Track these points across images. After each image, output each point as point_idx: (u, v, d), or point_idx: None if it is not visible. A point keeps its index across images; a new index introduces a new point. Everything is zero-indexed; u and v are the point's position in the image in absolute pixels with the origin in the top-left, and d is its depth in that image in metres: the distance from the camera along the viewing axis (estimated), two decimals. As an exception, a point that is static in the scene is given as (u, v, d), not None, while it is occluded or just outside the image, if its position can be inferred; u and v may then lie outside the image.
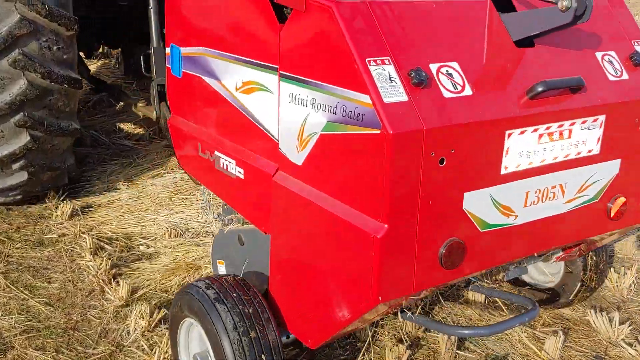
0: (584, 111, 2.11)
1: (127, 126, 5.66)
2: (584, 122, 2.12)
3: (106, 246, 3.75)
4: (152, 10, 3.63)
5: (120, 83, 4.26)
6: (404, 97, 1.76)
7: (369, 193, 1.80)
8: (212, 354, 2.22)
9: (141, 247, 3.77)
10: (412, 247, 1.84)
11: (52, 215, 4.12)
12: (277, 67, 2.12)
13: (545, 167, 2.09)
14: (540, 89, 1.95)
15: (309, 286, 2.11)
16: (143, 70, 3.68)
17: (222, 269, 2.79)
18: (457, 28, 2.01)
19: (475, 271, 2.05)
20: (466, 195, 1.92)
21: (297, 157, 2.09)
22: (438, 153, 1.80)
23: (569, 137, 2.10)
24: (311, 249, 2.06)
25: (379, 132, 1.73)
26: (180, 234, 3.87)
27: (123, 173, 4.78)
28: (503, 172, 1.99)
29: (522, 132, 1.98)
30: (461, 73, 1.91)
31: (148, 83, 3.98)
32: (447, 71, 1.89)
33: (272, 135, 2.22)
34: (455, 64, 1.91)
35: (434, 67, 1.87)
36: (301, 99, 2.02)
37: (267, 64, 2.17)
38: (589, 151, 2.18)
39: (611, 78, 2.21)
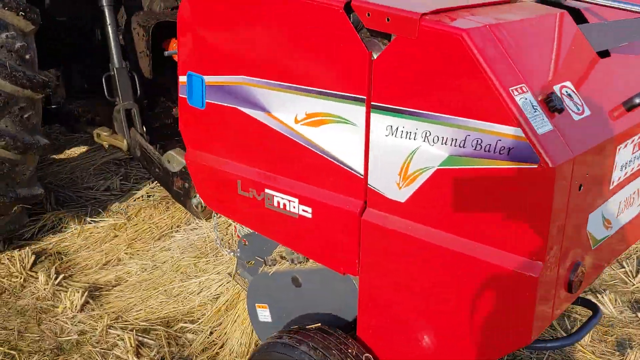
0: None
1: (95, 167, 4.69)
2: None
3: (148, 340, 3.03)
4: (109, 27, 3.22)
5: (73, 108, 3.70)
6: (550, 126, 1.67)
7: (520, 231, 1.69)
8: None
9: (189, 334, 3.11)
10: (555, 279, 1.77)
11: (54, 306, 3.26)
12: (364, 97, 1.93)
13: (632, 176, 2.10)
14: (638, 100, 1.95)
15: (418, 330, 1.97)
16: (106, 94, 3.26)
17: (264, 314, 2.56)
18: (552, 45, 1.94)
19: (585, 288, 2.03)
20: (590, 216, 1.88)
21: (398, 193, 1.92)
22: (579, 179, 1.74)
23: (649, 143, 2.13)
24: (427, 292, 1.92)
25: (536, 166, 1.62)
26: (231, 304, 3.17)
27: (117, 240, 3.82)
28: (611, 187, 1.97)
29: (625, 146, 1.97)
30: (576, 92, 1.85)
31: (105, 108, 3.54)
32: (567, 92, 1.82)
33: (354, 170, 2.03)
34: (569, 84, 1.85)
35: (556, 89, 1.80)
36: (406, 132, 1.85)
37: (347, 94, 1.97)
38: (657, 154, 2.23)
39: None
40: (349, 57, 1.94)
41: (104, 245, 3.80)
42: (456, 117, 1.74)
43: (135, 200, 4.22)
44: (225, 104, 2.35)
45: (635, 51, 2.20)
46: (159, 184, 3.89)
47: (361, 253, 2.06)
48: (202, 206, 2.92)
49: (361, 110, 1.96)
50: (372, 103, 1.91)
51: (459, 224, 1.81)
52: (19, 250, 3.73)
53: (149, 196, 4.25)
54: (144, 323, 3.17)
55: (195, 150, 2.52)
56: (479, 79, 1.67)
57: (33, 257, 3.66)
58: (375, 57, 1.89)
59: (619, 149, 1.94)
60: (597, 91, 1.95)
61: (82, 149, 4.84)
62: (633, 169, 2.09)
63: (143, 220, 3.97)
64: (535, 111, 1.67)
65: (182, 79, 2.46)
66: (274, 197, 2.28)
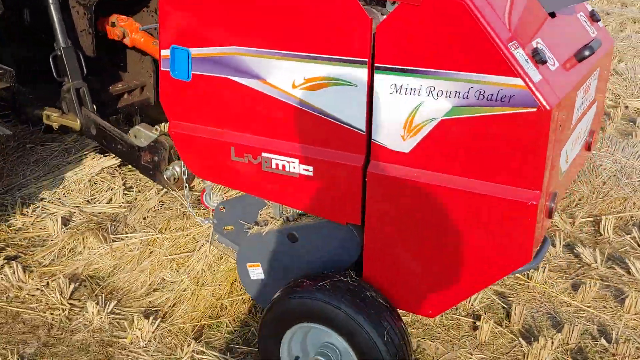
0: (595, 65, 2.53)
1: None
2: (594, 76, 2.55)
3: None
4: (52, 5, 3.11)
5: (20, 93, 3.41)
6: (540, 76, 1.96)
7: (522, 166, 1.98)
8: (350, 352, 2.23)
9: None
10: (543, 206, 2.09)
11: (117, 337, 2.93)
12: (365, 60, 2.12)
13: (580, 117, 2.48)
14: (587, 52, 2.30)
15: (426, 264, 2.23)
16: (54, 74, 3.15)
17: (256, 272, 2.69)
18: (520, 7, 2.24)
19: (552, 216, 2.39)
20: (562, 151, 2.22)
21: (403, 145, 2.15)
22: (560, 120, 2.05)
23: (589, 90, 2.51)
24: (434, 229, 2.17)
25: (535, 109, 1.91)
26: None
27: (154, 256, 3.37)
28: (571, 127, 2.33)
29: (580, 91, 2.33)
30: (547, 47, 2.16)
31: (44, 88, 3.39)
32: (541, 47, 2.12)
33: (355, 128, 2.22)
34: (540, 40, 2.16)
35: (534, 44, 2.10)
36: (411, 89, 2.07)
37: (348, 58, 2.15)
38: (592, 99, 2.63)
39: (592, 35, 2.67)
40: (350, 23, 2.12)
41: (143, 264, 3.43)
42: (460, 72, 1.99)
43: (153, 212, 3.83)
44: (215, 75, 2.44)
45: (573, 12, 2.58)
46: (167, 191, 3.75)
47: (367, 202, 2.27)
48: (174, 178, 2.96)
49: (362, 72, 2.15)
50: (375, 65, 2.12)
51: (464, 166, 2.08)
52: (49, 279, 3.34)
53: (164, 205, 3.87)
54: (230, 341, 2.98)
55: (180, 121, 2.58)
56: (482, 37, 1.93)
57: (71, 286, 3.25)
58: (375, 23, 2.10)
59: (578, 94, 2.29)
60: (557, 46, 2.28)
61: (62, 159, 4.25)
62: (583, 111, 2.47)
63: (176, 232, 3.55)
64: (528, 63, 1.96)
65: (165, 52, 2.51)
66: (272, 159, 2.42)
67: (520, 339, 3.02)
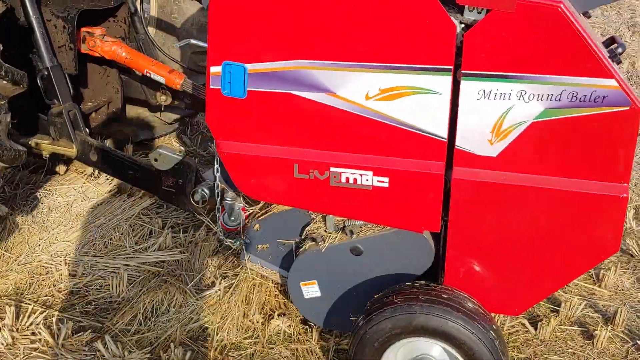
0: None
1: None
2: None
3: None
4: (34, 20, 2.76)
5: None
6: (622, 76, 2.08)
7: (614, 160, 2.10)
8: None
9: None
10: (626, 198, 2.23)
11: None
12: (450, 67, 2.13)
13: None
14: (620, 50, 2.48)
15: (515, 263, 2.29)
16: (44, 97, 2.80)
17: (311, 290, 2.60)
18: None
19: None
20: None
21: (490, 149, 2.19)
22: None
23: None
24: (524, 228, 2.23)
25: (628, 108, 2.03)
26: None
27: (235, 299, 2.95)
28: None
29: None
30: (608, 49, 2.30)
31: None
32: (611, 49, 2.25)
33: (436, 135, 2.23)
34: (599, 42, 2.29)
35: (602, 45, 2.22)
36: (500, 94, 2.12)
37: (430, 66, 2.15)
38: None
39: (599, 35, 2.87)
40: (434, 31, 2.12)
41: (235, 309, 2.98)
42: (552, 76, 2.07)
43: (215, 253, 3.38)
44: (275, 90, 2.32)
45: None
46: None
47: (451, 208, 2.28)
48: (202, 201, 2.76)
49: (446, 79, 2.16)
50: (463, 71, 2.13)
51: (555, 165, 2.16)
52: (150, 349, 2.85)
53: (225, 246, 3.35)
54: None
55: (232, 141, 2.42)
56: (576, 42, 2.01)
57: (187, 355, 2.77)
58: (460, 30, 2.12)
59: (622, 90, 2.47)
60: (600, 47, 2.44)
61: (83, 203, 3.65)
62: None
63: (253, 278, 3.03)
64: (613, 65, 2.08)
65: (215, 69, 2.34)
66: (341, 174, 2.36)
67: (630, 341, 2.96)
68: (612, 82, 2.03)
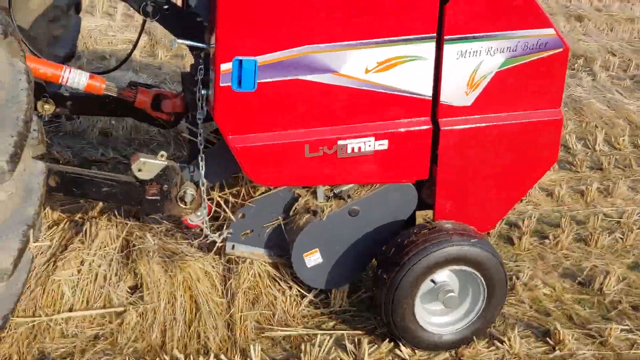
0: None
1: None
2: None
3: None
4: None
5: None
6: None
7: (552, 92, 2.70)
8: (482, 284, 2.69)
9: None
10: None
11: None
12: (434, 35, 2.50)
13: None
14: None
15: (491, 190, 2.79)
16: None
17: (314, 258, 2.76)
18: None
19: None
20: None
21: (466, 99, 2.65)
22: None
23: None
24: (494, 157, 2.73)
25: (562, 49, 2.64)
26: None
27: None
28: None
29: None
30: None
31: None
32: None
33: (423, 95, 2.58)
34: None
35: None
36: (472, 52, 2.56)
37: (418, 35, 2.50)
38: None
39: None
40: (419, 6, 2.46)
41: None
42: (512, 31, 2.58)
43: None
44: (284, 79, 2.42)
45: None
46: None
47: (439, 155, 2.67)
48: (192, 200, 2.60)
49: (431, 45, 2.53)
50: (445, 37, 2.51)
51: (514, 103, 2.69)
52: None
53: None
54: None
55: (245, 134, 2.45)
56: (528, 3, 2.54)
57: None
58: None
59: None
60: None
61: None
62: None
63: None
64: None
65: (226, 66, 2.33)
66: (347, 145, 2.58)
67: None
68: (551, 31, 2.63)
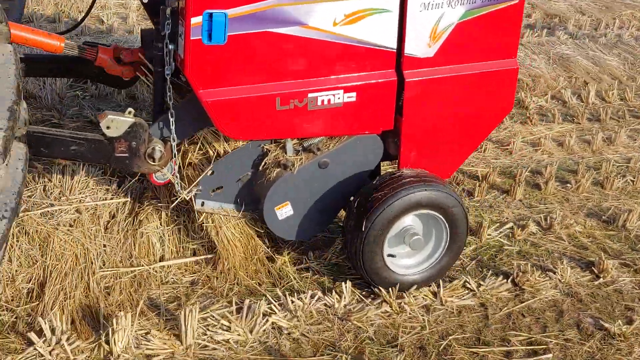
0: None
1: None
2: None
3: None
4: None
5: None
6: None
7: (509, 42, 2.82)
8: (445, 225, 2.82)
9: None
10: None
11: None
12: (397, -12, 2.55)
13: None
14: None
15: (452, 138, 2.89)
16: None
17: (285, 211, 2.82)
18: None
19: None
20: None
21: (429, 51, 2.73)
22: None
23: None
24: (455, 107, 2.83)
25: (517, 1, 2.75)
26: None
27: None
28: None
29: None
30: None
31: None
32: None
33: (388, 48, 2.65)
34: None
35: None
36: (435, 4, 2.63)
37: (384, -12, 2.54)
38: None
39: None
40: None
41: None
42: (470, -16, 2.66)
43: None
44: (254, 31, 2.44)
45: None
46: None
47: (404, 105, 2.75)
48: (161, 157, 2.58)
49: (395, -1, 2.58)
50: (409, -10, 2.58)
51: (473, 53, 2.80)
52: None
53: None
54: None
55: (216, 88, 2.46)
56: None
57: None
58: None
59: None
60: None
61: None
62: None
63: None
64: None
65: (196, 20, 2.33)
66: (317, 97, 2.63)
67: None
68: (507, -16, 2.74)
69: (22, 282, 2.80)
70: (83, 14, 3.10)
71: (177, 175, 2.77)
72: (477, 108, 2.93)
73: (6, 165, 2.07)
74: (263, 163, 2.88)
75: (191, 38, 2.38)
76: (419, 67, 2.76)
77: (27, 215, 2.95)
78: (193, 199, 2.88)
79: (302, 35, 2.53)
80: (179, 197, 2.81)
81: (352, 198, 2.87)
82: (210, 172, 2.86)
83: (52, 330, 2.54)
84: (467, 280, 3.04)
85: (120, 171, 3.21)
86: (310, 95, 2.64)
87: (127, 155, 2.64)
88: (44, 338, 2.52)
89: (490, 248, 3.34)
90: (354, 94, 2.70)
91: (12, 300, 2.75)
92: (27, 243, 2.89)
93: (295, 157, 2.85)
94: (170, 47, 2.57)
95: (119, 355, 2.50)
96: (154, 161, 2.68)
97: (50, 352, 2.48)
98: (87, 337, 2.60)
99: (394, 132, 2.87)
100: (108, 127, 2.57)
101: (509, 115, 4.73)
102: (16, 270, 2.83)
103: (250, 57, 2.50)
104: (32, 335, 2.51)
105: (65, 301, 2.73)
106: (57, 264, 2.83)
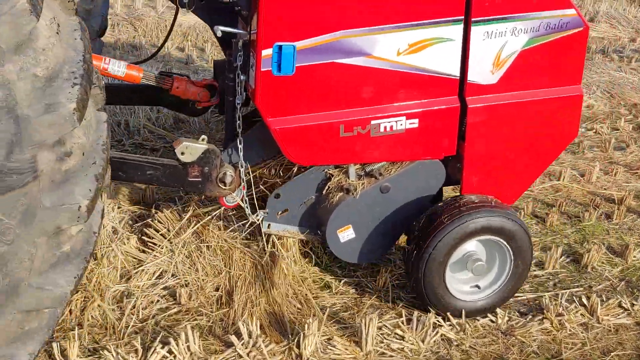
0: None
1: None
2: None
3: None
4: None
5: None
6: None
7: (572, 69, 2.83)
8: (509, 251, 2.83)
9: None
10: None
11: None
12: (462, 17, 2.63)
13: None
14: None
15: (516, 163, 2.92)
16: None
17: (347, 234, 2.89)
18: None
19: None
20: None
21: (492, 78, 2.77)
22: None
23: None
24: (518, 133, 2.86)
25: (582, 28, 2.76)
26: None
27: None
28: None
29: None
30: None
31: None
32: None
33: (451, 75, 2.71)
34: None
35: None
36: (498, 33, 2.69)
37: (447, 18, 2.63)
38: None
39: None
40: (447, -8, 2.57)
41: None
42: (534, 13, 2.70)
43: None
44: (321, 62, 2.55)
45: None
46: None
47: (467, 131, 2.79)
48: (232, 181, 2.74)
49: (459, 27, 2.65)
50: (472, 19, 2.63)
51: (537, 80, 2.82)
52: None
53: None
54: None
55: (284, 117, 2.58)
56: None
57: None
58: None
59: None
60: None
61: None
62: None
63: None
64: None
65: (267, 52, 2.45)
66: (380, 124, 2.71)
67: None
68: (572, 11, 2.76)
69: (211, 290, 3.00)
70: (162, 41, 3.27)
71: (247, 199, 2.89)
72: (540, 134, 2.94)
73: (59, 37, 2.07)
74: (326, 187, 2.97)
75: (262, 69, 2.50)
76: (482, 93, 2.80)
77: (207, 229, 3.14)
78: (261, 222, 3.00)
79: (367, 65, 2.62)
80: (249, 219, 2.94)
81: (414, 222, 2.92)
82: (277, 195, 2.97)
83: (249, 334, 2.71)
84: (622, 299, 3.11)
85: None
86: (373, 122, 2.71)
87: (200, 179, 2.78)
88: (242, 341, 2.69)
89: (637, 270, 3.42)
90: (416, 121, 2.76)
91: (205, 306, 2.95)
92: (211, 255, 3.09)
93: (357, 181, 2.92)
94: (242, 77, 2.70)
95: (307, 359, 2.66)
96: (225, 185, 2.81)
97: (248, 354, 2.66)
98: (276, 341, 2.77)
99: (456, 157, 2.91)
100: (182, 153, 2.71)
101: (635, 139, 4.80)
102: (203, 279, 3.03)
103: (317, 87, 2.60)
104: (233, 338, 2.68)
105: (252, 308, 2.93)
106: (241, 274, 3.03)
